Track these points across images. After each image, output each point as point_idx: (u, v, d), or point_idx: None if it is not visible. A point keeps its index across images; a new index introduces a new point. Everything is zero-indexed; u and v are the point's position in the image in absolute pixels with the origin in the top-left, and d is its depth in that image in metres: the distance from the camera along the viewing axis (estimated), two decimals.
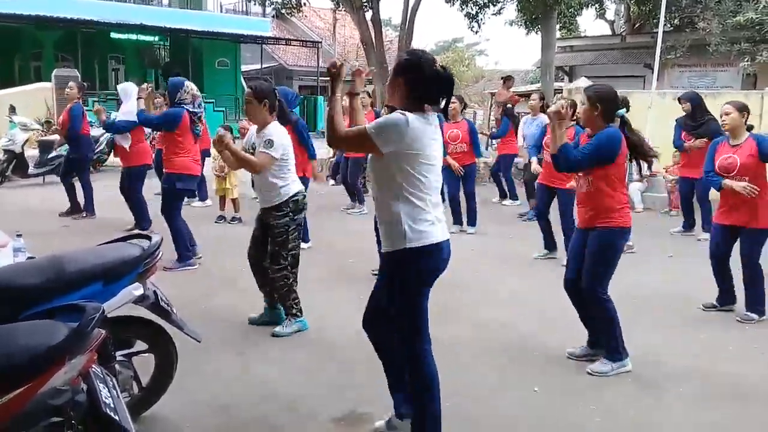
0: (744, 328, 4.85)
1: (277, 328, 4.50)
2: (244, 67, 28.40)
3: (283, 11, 19.33)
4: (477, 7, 17.13)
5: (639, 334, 4.63)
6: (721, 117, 5.19)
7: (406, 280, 2.87)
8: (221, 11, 26.82)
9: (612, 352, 3.97)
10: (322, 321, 4.80)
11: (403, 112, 2.73)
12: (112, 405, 2.06)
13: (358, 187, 9.61)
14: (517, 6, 17.31)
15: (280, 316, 4.64)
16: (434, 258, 2.84)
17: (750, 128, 5.15)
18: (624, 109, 4.03)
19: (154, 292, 3.00)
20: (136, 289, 2.81)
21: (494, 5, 17.33)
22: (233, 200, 8.39)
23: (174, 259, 6.05)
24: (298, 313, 4.59)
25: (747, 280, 5.04)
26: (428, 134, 2.76)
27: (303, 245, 7.05)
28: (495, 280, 5.99)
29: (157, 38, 25.28)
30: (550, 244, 6.86)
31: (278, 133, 4.42)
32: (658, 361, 4.17)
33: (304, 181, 5.77)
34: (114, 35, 22.61)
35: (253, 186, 5.04)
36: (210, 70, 25.56)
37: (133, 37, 23.24)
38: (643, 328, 4.75)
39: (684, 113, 8.04)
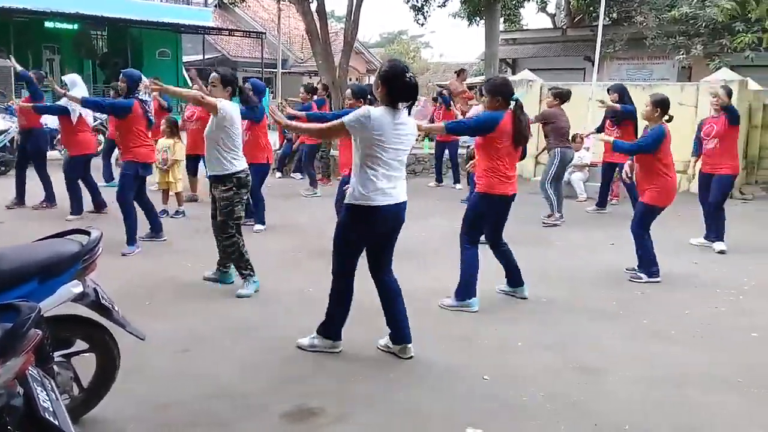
0: (680, 310, 5.02)
1: (240, 290, 5.12)
2: (185, 58, 27.78)
3: (226, 1, 18.95)
4: (422, 0, 17.17)
5: (582, 320, 4.76)
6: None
7: (342, 226, 3.89)
8: (161, 0, 26.11)
9: (457, 292, 4.90)
10: (267, 314, 4.75)
11: (370, 108, 3.71)
12: (50, 408, 1.97)
13: (312, 172, 10.31)
14: None
15: (228, 276, 5.38)
16: (371, 218, 3.75)
17: (670, 119, 5.72)
18: (518, 95, 4.85)
19: (95, 289, 2.90)
20: (74, 287, 2.70)
21: None
22: (177, 194, 8.20)
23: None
24: (251, 273, 5.18)
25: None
26: (390, 124, 3.67)
27: (259, 227, 7.14)
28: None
29: (93, 28, 24.47)
30: None
31: (228, 104, 5.01)
32: (601, 345, 4.28)
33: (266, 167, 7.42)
34: (48, 24, 21.77)
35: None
36: (150, 61, 24.86)
37: (69, 26, 22.43)
38: (589, 314, 4.87)
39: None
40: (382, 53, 37.78)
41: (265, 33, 27.84)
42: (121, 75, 6.52)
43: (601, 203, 9.26)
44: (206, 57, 27.80)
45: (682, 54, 16.89)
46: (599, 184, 9.41)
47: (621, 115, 8.46)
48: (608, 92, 8.78)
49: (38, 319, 1.96)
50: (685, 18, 16.01)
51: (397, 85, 3.70)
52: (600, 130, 8.83)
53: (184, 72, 26.79)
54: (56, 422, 1.95)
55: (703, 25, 16.06)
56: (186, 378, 3.66)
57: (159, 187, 8.27)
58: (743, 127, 11.02)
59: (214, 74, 5.11)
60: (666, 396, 3.59)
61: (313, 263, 6.19)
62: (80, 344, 3.00)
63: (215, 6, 31.01)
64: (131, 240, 6.34)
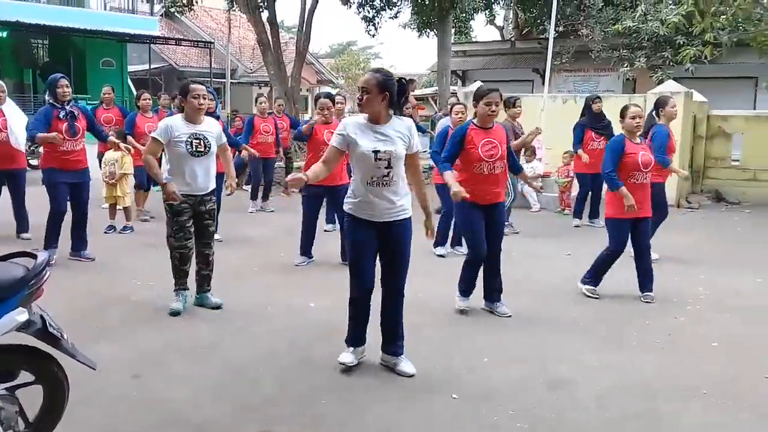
0: (640, 321, 5.04)
1: (219, 300, 5.10)
2: (131, 68, 27.11)
3: (173, 10, 18.57)
4: (374, 11, 17.16)
5: (546, 332, 4.72)
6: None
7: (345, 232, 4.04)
8: (105, 9, 25.43)
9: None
10: (223, 333, 4.57)
11: (344, 124, 3.78)
12: None
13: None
14: (412, 9, 17.47)
15: (207, 298, 5.14)
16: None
17: None
18: None
19: (41, 316, 2.69)
20: (19, 315, 2.50)
21: (390, 9, 17.43)
22: (125, 209, 7.90)
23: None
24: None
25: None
26: (368, 132, 3.71)
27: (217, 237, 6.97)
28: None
29: (33, 36, 23.64)
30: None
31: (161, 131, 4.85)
32: (567, 357, 4.25)
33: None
34: None
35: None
36: (94, 71, 24.12)
37: (4, 34, 21.59)
38: (552, 326, 4.85)
39: (590, 114, 8.82)
40: (332, 64, 37.68)
41: (213, 43, 27.41)
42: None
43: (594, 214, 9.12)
44: (152, 67, 27.20)
45: (627, 66, 17.35)
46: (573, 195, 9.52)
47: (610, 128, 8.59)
48: (594, 102, 9.00)
49: None
50: (628, 32, 16.43)
51: (396, 92, 3.78)
52: (579, 142, 8.86)
53: (129, 81, 26.20)
54: None
55: (646, 38, 16.54)
56: (140, 406, 3.45)
57: (106, 201, 7.96)
58: (688, 138, 11.35)
59: (208, 90, 5.10)
60: (636, 409, 3.56)
61: (270, 278, 6.04)
62: (26, 375, 2.78)
63: (161, 15, 30.43)
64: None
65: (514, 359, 4.24)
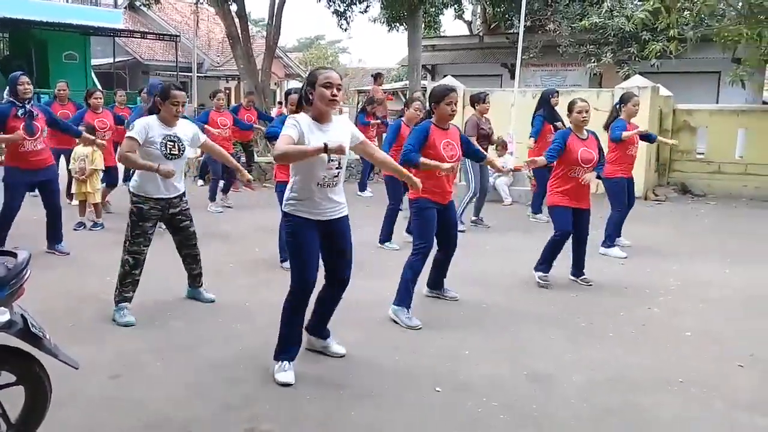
0: (615, 313, 5.13)
1: (212, 296, 5.19)
2: (94, 61, 26.59)
3: (140, 3, 18.24)
4: (345, 5, 17.08)
5: (523, 325, 4.78)
6: None
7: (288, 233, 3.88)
8: (68, 1, 24.88)
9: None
10: (201, 331, 4.52)
11: (297, 120, 3.61)
12: None
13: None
14: (382, 4, 17.44)
15: (200, 293, 5.22)
16: None
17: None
18: None
19: (22, 316, 2.63)
20: (1, 315, 2.44)
21: (360, 3, 17.37)
22: (95, 205, 7.75)
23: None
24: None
25: None
26: (317, 132, 3.61)
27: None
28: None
29: None
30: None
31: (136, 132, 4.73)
32: (545, 350, 4.30)
33: None
34: None
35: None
36: (57, 64, 23.61)
37: None
38: (529, 319, 4.90)
39: (551, 106, 8.92)
40: (300, 58, 37.47)
41: (179, 36, 27.01)
42: None
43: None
44: (117, 60, 26.76)
45: (593, 61, 17.56)
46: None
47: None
48: (553, 96, 9.11)
49: None
50: (595, 27, 16.65)
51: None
52: (537, 133, 8.97)
53: (93, 75, 25.69)
54: None
55: (612, 34, 16.77)
56: (122, 406, 3.40)
57: (76, 198, 7.80)
58: (655, 132, 11.56)
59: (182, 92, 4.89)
60: (614, 400, 3.62)
61: (246, 275, 6.00)
62: (7, 376, 2.72)
63: (125, 8, 29.88)
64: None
65: (493, 352, 4.28)
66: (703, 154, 12.14)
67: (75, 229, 7.54)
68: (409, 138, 4.89)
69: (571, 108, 5.83)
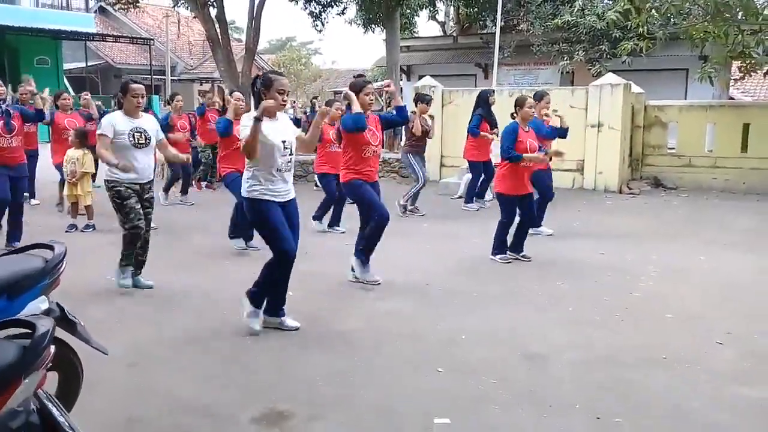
0: (600, 298, 5.40)
1: (150, 282, 5.51)
2: (66, 65, 26.38)
3: (117, 7, 18.15)
4: (320, 7, 17.23)
5: (515, 310, 5.02)
6: None
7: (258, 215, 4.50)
8: (38, 6, 24.64)
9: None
10: (206, 321, 4.69)
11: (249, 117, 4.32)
12: (67, 423, 1.91)
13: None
14: (358, 5, 17.62)
15: (140, 280, 5.53)
16: None
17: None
18: None
19: (57, 304, 2.79)
20: (41, 303, 2.60)
21: (337, 5, 17.54)
22: (87, 207, 7.84)
23: None
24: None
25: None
26: (270, 126, 4.36)
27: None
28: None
29: None
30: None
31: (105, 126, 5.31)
32: (538, 333, 4.55)
33: None
34: None
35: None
36: (29, 69, 23.23)
37: None
38: (520, 305, 5.15)
39: (488, 105, 9.46)
40: (273, 59, 37.45)
41: (153, 40, 26.91)
42: None
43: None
44: (89, 64, 26.57)
45: (566, 60, 17.96)
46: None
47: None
48: (492, 95, 9.65)
49: (53, 334, 1.89)
50: (567, 26, 17.04)
51: None
52: (476, 127, 9.50)
53: (65, 79, 25.47)
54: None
55: (584, 32, 17.17)
56: (145, 392, 3.57)
57: (68, 200, 7.88)
58: (628, 127, 11.94)
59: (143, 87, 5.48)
60: (605, 376, 3.87)
61: (243, 267, 6.15)
62: None
63: (95, 12, 29.65)
64: None
65: (488, 335, 4.51)
66: (674, 148, 12.54)
67: (67, 231, 7.62)
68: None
69: (522, 104, 6.50)
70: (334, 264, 6.16)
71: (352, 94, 5.42)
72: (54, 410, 1.93)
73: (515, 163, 6.34)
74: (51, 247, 2.77)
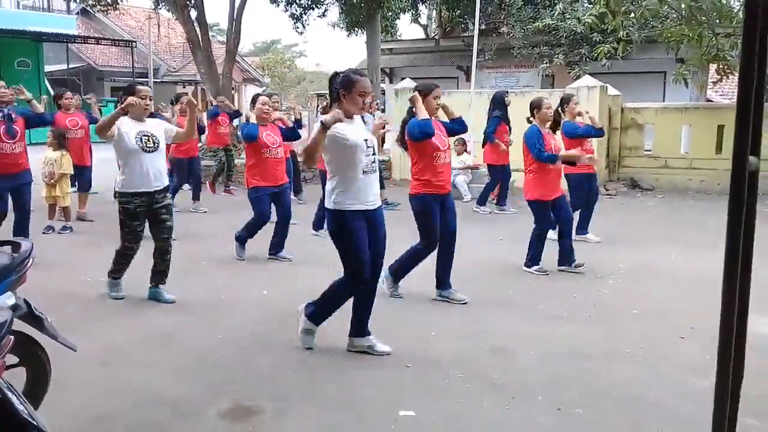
0: (569, 295, 5.51)
1: (173, 296, 5.21)
2: (47, 68, 26.18)
3: (97, 9, 18.11)
4: (301, 9, 17.30)
5: (485, 309, 5.11)
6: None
7: None
8: (19, 7, 24.50)
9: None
10: (181, 322, 4.74)
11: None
12: (26, 411, 1.96)
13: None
14: (340, 8, 17.70)
15: (161, 293, 5.25)
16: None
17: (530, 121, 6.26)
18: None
19: (24, 300, 2.84)
20: (8, 299, 2.65)
21: (318, 7, 17.61)
22: (64, 208, 7.84)
23: None
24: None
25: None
26: None
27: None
28: None
29: None
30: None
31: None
32: (506, 330, 4.64)
33: None
34: None
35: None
36: (9, 72, 23.09)
37: None
38: (490, 304, 5.24)
39: (505, 107, 9.31)
40: (257, 62, 37.42)
41: (135, 42, 26.81)
42: None
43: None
44: (71, 66, 26.41)
45: (546, 63, 18.14)
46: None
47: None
48: (507, 97, 9.59)
49: (11, 325, 1.94)
50: (547, 29, 17.23)
51: None
52: (492, 132, 9.38)
53: (46, 82, 25.31)
54: (36, 422, 1.94)
55: (564, 36, 17.37)
56: (115, 390, 3.61)
57: (45, 201, 7.87)
58: (604, 129, 12.09)
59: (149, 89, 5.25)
60: (570, 369, 3.97)
61: (219, 270, 6.20)
62: (9, 358, 2.90)
63: (77, 13, 29.51)
64: None
65: (458, 332, 4.60)
66: (650, 150, 12.72)
67: (44, 233, 7.62)
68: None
69: (539, 106, 6.13)
70: (316, 265, 6.21)
71: (419, 98, 4.99)
72: (14, 398, 1.98)
73: (551, 163, 5.99)
74: (18, 244, 2.81)
